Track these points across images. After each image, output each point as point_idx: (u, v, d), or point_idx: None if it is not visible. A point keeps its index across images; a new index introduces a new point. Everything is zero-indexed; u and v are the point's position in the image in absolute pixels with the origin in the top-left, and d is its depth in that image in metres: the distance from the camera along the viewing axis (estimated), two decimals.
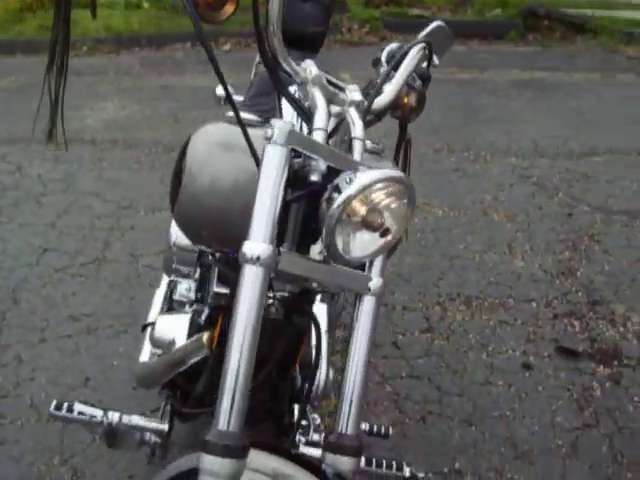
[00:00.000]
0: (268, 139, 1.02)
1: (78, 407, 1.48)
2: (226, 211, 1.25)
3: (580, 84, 6.23)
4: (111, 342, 2.52)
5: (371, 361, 1.24)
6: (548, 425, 2.23)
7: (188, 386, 1.68)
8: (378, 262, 1.26)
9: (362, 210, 1.06)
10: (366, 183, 1.04)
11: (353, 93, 1.23)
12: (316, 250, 1.17)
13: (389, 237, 1.11)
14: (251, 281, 1.01)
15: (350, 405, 1.22)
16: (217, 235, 1.30)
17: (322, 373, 1.80)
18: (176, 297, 1.93)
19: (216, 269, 1.45)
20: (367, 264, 1.25)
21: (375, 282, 1.23)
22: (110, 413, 1.50)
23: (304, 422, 1.73)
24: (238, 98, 2.44)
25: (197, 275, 1.74)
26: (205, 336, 1.47)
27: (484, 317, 2.81)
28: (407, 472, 1.69)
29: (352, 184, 1.04)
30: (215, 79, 1.06)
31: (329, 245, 1.07)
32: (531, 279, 3.11)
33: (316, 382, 1.77)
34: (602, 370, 2.50)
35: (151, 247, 3.17)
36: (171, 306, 2.00)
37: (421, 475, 1.85)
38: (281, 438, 1.65)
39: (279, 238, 1.08)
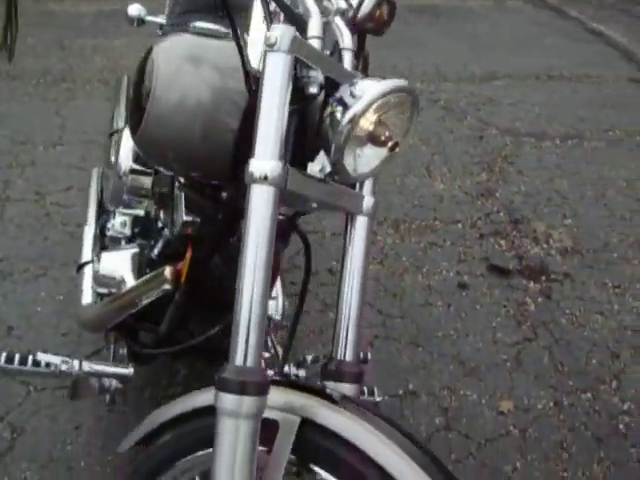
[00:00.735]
0: (271, 46, 0.91)
1: (39, 357, 1.33)
2: (196, 131, 1.13)
3: (474, 10, 6.28)
4: (30, 287, 2.32)
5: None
6: (490, 341, 2.27)
7: (144, 326, 1.56)
8: (369, 181, 1.19)
9: (369, 124, 0.99)
10: (376, 96, 0.97)
11: (339, 1, 1.13)
12: (314, 168, 1.07)
13: (396, 150, 1.03)
14: (261, 203, 0.91)
15: (347, 330, 1.16)
16: (187, 157, 1.18)
17: (280, 304, 1.74)
18: (110, 233, 1.79)
19: (182, 196, 1.32)
20: (358, 184, 1.19)
21: (367, 201, 1.17)
22: (71, 361, 1.37)
23: (267, 355, 1.67)
24: (156, 19, 2.25)
25: (150, 205, 1.60)
26: (167, 270, 1.36)
27: (413, 240, 2.80)
28: (379, 397, 1.67)
29: (361, 98, 0.96)
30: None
31: (337, 162, 1.00)
32: (453, 201, 3.13)
33: (279, 313, 1.70)
34: (533, 286, 2.57)
35: (57, 184, 2.94)
36: (104, 243, 1.86)
37: (379, 399, 1.84)
38: None
39: None
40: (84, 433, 1.80)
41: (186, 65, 1.15)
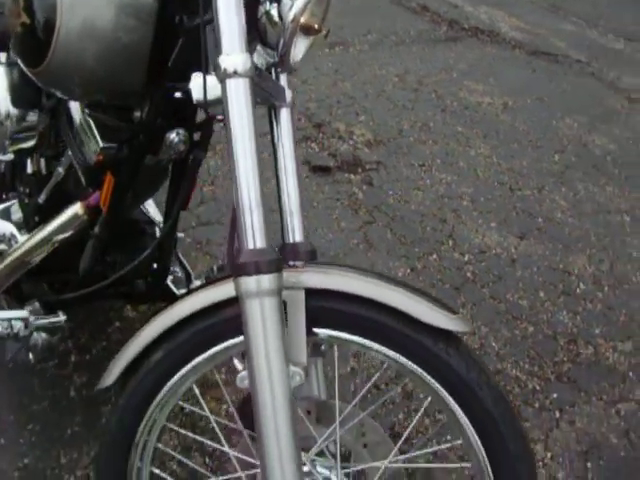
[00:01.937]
0: None
1: None
2: (107, 52, 1.10)
3: None
4: None
5: None
6: (338, 230, 2.47)
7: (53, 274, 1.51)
8: (284, 74, 1.27)
9: (304, 17, 1.07)
10: None
11: None
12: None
13: (324, 35, 1.14)
14: (240, 95, 0.94)
15: (292, 215, 1.25)
16: (100, 81, 1.14)
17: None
18: None
19: (91, 123, 1.28)
20: (274, 76, 1.26)
21: (288, 93, 1.25)
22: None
23: (177, 270, 1.70)
24: None
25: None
26: (78, 207, 1.33)
27: None
28: None
29: None
30: None
31: (284, 55, 1.07)
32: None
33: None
34: (354, 177, 2.80)
35: None
36: None
37: None
38: (159, 290, 1.59)
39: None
40: None
41: None
